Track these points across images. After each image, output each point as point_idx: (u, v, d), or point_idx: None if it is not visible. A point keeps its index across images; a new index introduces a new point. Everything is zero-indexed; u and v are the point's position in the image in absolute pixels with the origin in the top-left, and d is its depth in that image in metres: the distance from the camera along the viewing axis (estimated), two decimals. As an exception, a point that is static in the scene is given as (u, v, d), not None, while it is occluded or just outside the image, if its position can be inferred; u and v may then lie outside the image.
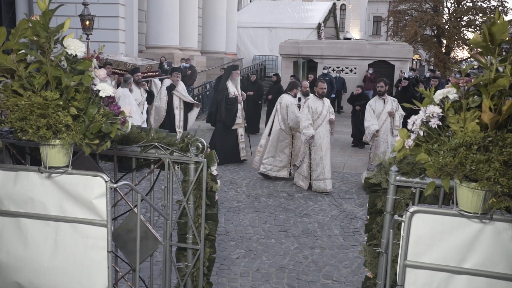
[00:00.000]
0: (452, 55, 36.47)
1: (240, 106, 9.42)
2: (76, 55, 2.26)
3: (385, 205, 2.76)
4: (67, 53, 2.24)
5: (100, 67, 2.46)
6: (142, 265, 3.83)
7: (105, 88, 2.34)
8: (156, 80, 10.89)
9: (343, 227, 6.13)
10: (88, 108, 2.28)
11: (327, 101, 7.87)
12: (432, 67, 31.02)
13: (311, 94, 8.02)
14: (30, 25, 2.18)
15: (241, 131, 9.56)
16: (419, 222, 2.17)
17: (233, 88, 9.32)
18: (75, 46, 2.24)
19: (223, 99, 9.25)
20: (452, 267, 2.16)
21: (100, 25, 16.14)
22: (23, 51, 2.21)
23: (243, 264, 4.93)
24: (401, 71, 16.89)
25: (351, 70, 18.85)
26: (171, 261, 3.36)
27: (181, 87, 10.29)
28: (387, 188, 2.72)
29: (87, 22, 13.98)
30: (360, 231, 5.92)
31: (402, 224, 2.21)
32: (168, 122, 9.90)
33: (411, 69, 17.04)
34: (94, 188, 2.42)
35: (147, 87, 9.61)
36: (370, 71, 17.67)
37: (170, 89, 10.08)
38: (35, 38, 2.19)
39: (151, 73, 10.73)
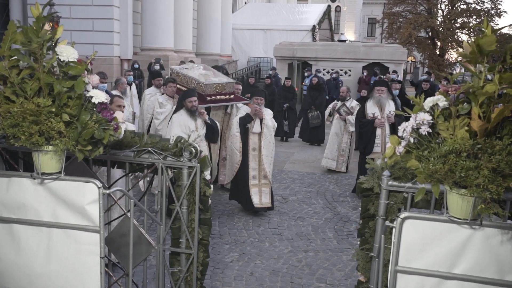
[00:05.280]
0: (446, 56, 36.69)
1: (381, 131, 7.22)
2: (68, 61, 2.27)
3: (378, 209, 2.78)
4: (59, 59, 2.24)
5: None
6: (136, 270, 3.83)
7: (98, 94, 2.34)
8: (239, 104, 7.30)
9: (337, 230, 6.15)
10: (81, 115, 2.28)
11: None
12: (427, 69, 31.17)
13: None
14: (20, 29, 2.19)
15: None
16: (410, 228, 2.19)
17: (374, 108, 7.29)
18: (68, 53, 2.25)
19: (357, 120, 7.58)
20: (442, 272, 2.18)
21: (95, 27, 16.12)
22: (16, 57, 2.22)
23: (237, 267, 4.93)
24: (389, 72, 16.87)
25: (345, 72, 18.92)
26: (164, 266, 3.36)
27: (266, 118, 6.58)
28: (380, 193, 2.74)
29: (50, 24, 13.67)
30: (353, 234, 5.93)
31: (393, 230, 2.23)
32: (243, 172, 6.52)
33: (394, 71, 16.94)
34: (87, 194, 2.43)
35: (207, 118, 6.23)
36: (365, 73, 17.74)
37: (245, 122, 6.44)
38: (26, 44, 2.20)
39: (223, 96, 7.10)
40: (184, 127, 6.06)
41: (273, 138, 6.64)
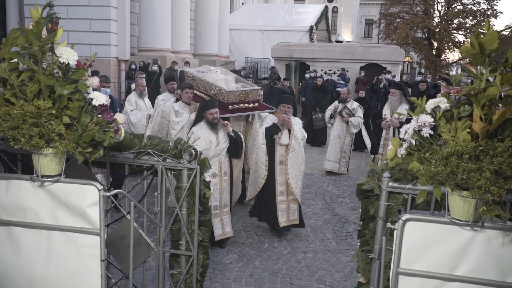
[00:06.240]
0: (443, 57, 36.75)
1: (385, 133, 7.02)
2: (68, 63, 2.26)
3: (378, 211, 2.78)
4: (59, 61, 2.23)
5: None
6: (135, 272, 3.82)
7: (98, 96, 2.33)
8: (263, 114, 6.62)
9: (335, 231, 6.15)
10: (81, 117, 2.27)
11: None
12: (423, 70, 31.20)
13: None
14: (21, 33, 2.18)
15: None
16: (412, 230, 2.19)
17: (387, 110, 7.09)
18: (68, 55, 2.24)
19: (373, 119, 7.34)
20: (444, 274, 2.18)
21: (92, 28, 16.07)
22: (16, 60, 2.21)
23: (236, 269, 4.93)
24: (384, 72, 16.82)
25: (343, 73, 18.91)
26: (164, 268, 3.35)
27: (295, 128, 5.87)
28: (380, 194, 2.74)
29: (49, 25, 13.51)
30: (352, 235, 5.94)
31: (395, 232, 2.22)
32: (269, 188, 5.90)
33: (388, 71, 16.91)
34: (87, 196, 2.42)
35: (231, 130, 5.49)
36: (363, 74, 17.76)
37: (272, 133, 5.81)
38: (27, 46, 2.19)
39: (246, 105, 6.37)
40: (204, 141, 5.25)
41: (302, 150, 5.94)
